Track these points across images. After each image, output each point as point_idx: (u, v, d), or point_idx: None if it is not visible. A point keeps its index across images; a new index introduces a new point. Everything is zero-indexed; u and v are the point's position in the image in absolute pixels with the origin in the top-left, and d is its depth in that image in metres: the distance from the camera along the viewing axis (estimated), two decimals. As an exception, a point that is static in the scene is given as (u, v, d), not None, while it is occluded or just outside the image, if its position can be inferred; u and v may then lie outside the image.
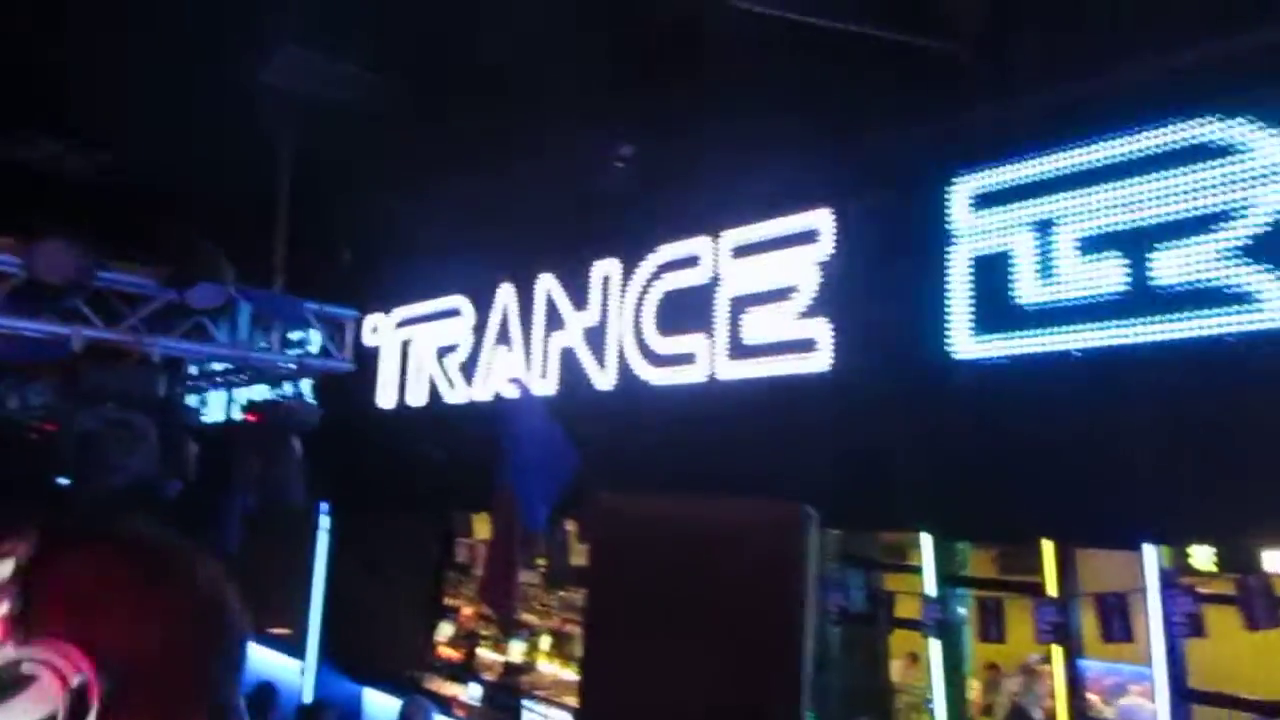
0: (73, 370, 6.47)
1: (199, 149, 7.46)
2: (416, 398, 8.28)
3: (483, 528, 8.20)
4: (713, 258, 6.20)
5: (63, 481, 6.69)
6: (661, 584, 4.90)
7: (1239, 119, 4.09)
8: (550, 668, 8.00)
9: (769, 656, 4.50)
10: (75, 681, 0.96)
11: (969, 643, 5.66)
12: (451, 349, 7.99)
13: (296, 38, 6.25)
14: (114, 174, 8.27)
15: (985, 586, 5.36)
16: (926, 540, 5.35)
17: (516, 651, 8.24)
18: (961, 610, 5.46)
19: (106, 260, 6.28)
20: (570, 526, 7.54)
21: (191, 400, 8.15)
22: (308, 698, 8.90)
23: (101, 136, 7.86)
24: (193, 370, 8.56)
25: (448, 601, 10.06)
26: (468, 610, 10.26)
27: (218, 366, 8.28)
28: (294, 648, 9.44)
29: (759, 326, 5.93)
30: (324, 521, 9.21)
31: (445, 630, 10.06)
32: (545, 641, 8.19)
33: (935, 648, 5.32)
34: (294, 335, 7.83)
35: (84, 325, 6.25)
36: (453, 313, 8.04)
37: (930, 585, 5.31)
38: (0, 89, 6.85)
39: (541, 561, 7.68)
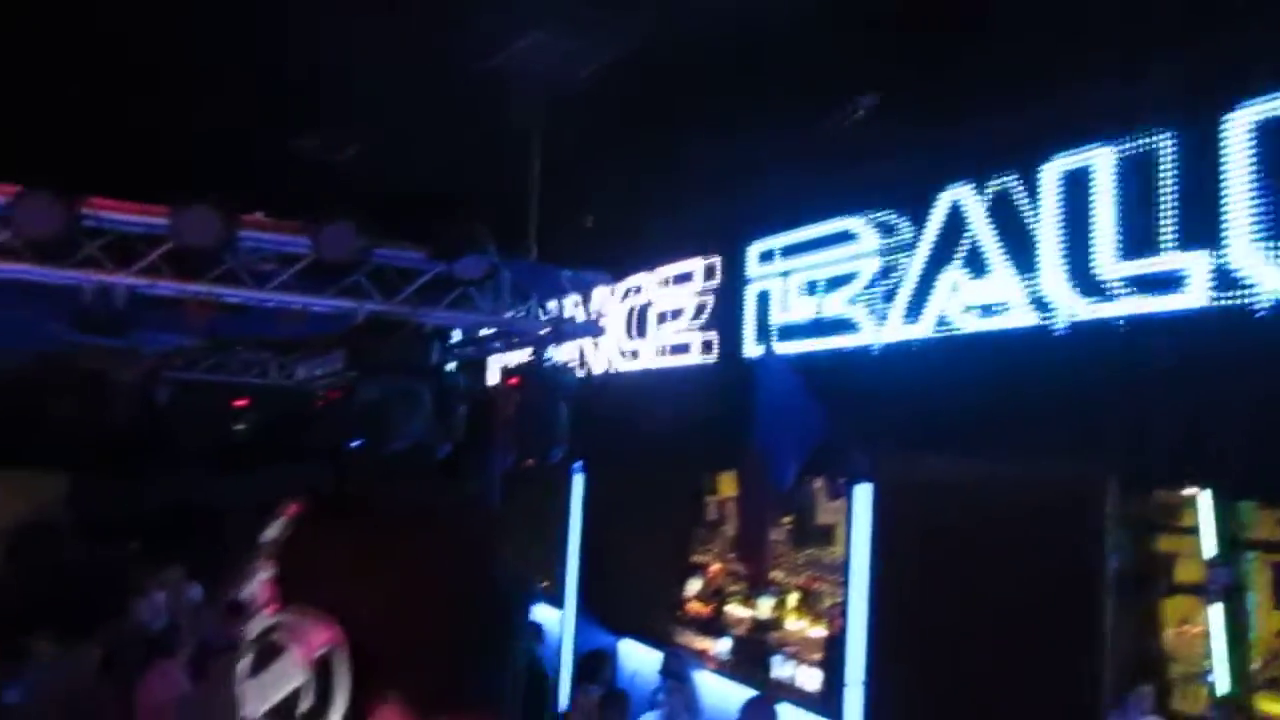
0: (355, 342, 7.08)
1: (453, 135, 7.96)
2: (659, 359, 8.53)
3: (729, 486, 8.36)
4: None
5: (350, 446, 7.33)
6: (953, 555, 4.87)
7: None
8: (798, 625, 8.07)
9: (1066, 636, 4.39)
10: (321, 653, 0.95)
11: (1254, 610, 5.30)
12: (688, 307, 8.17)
13: (537, 22, 6.52)
14: (376, 161, 8.90)
15: (1276, 550, 5.01)
16: (1205, 500, 5.03)
17: (765, 608, 8.36)
18: (1246, 574, 5.12)
19: (381, 239, 6.80)
20: (818, 485, 7.58)
21: (457, 366, 8.70)
22: (568, 648, 9.40)
23: (362, 127, 8.49)
24: (457, 337, 9.14)
25: (696, 558, 10.32)
26: (716, 566, 10.50)
27: (482, 333, 8.79)
28: (553, 600, 9.99)
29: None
30: (578, 479, 9.65)
31: (694, 586, 10.34)
32: (793, 599, 8.27)
33: (1217, 615, 5.01)
34: (549, 303, 8.23)
35: (366, 300, 6.81)
36: (687, 278, 8.23)
37: (1209, 548, 5.00)
38: (271, 87, 7.50)
39: (787, 520, 7.77)
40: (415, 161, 8.53)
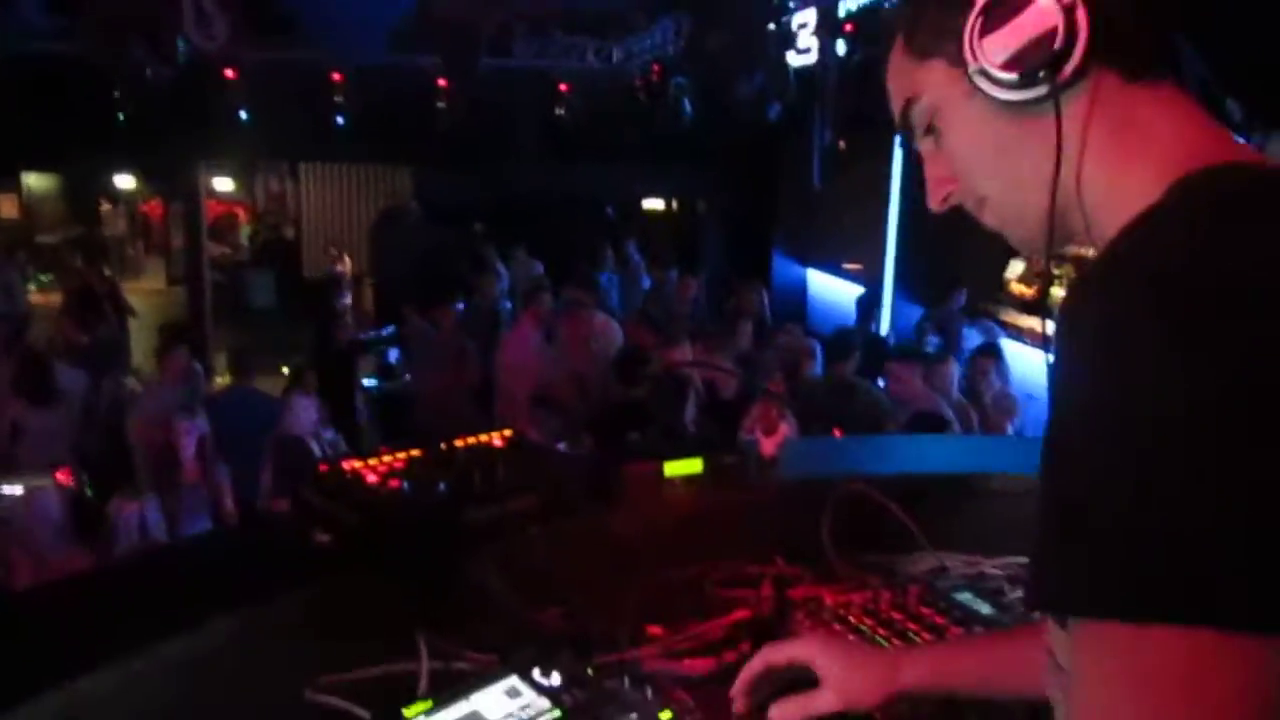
0: None
1: None
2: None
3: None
4: None
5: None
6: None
7: None
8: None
9: None
10: None
11: None
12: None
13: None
14: None
15: None
16: None
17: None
18: None
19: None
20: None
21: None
22: (885, 325, 9.49)
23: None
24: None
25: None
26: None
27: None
28: (868, 281, 10.01)
29: None
30: (898, 153, 9.34)
31: (1016, 268, 10.00)
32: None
33: None
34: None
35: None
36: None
37: None
38: None
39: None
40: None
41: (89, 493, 5.11)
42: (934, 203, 1.02)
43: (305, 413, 6.20)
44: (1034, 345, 8.04)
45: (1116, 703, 0.69)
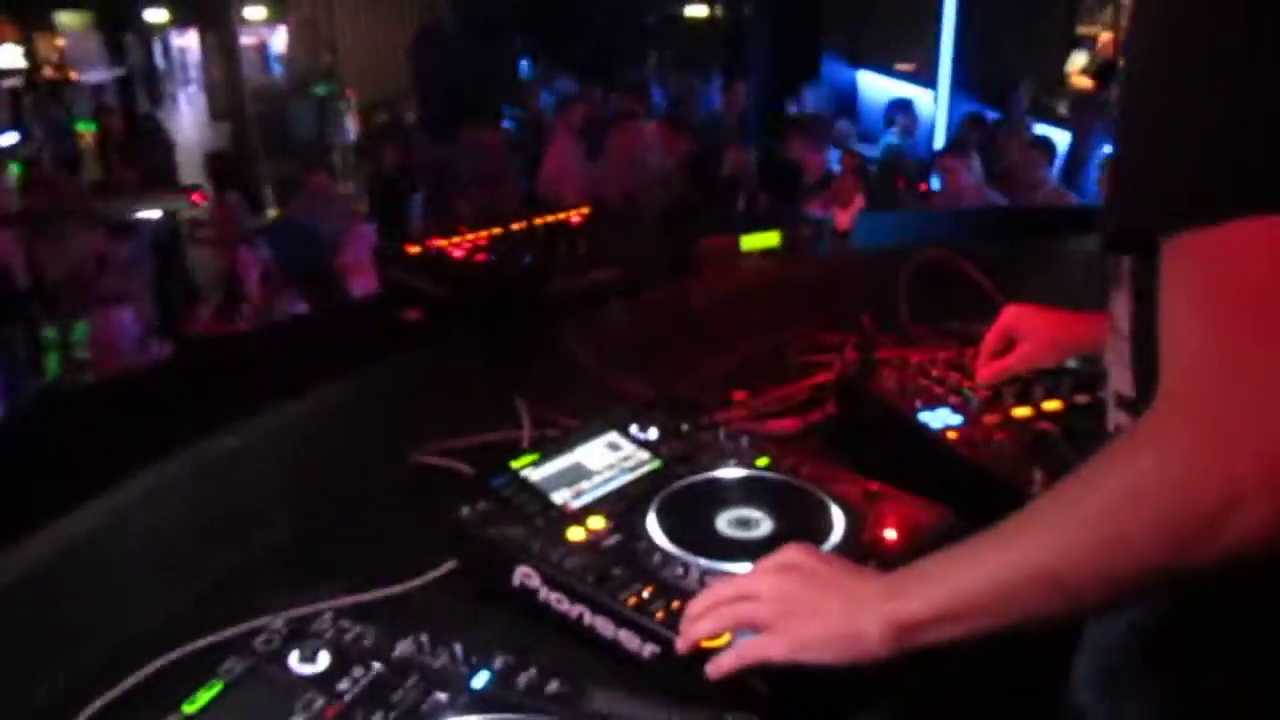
0: None
1: None
2: None
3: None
4: None
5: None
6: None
7: None
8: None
9: None
10: None
11: None
12: None
13: None
14: None
15: None
16: None
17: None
18: None
19: None
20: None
21: None
22: (940, 124, 9.21)
23: None
24: None
25: (1083, 30, 9.49)
26: (1105, 37, 9.62)
27: None
28: (923, 78, 9.66)
29: None
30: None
31: (1078, 60, 9.60)
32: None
33: None
34: None
35: None
36: None
37: None
38: None
39: None
40: None
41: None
42: None
43: (362, 240, 6.23)
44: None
45: (1201, 314, 0.71)
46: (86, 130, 12.61)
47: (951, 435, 1.38)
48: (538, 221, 1.72)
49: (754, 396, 1.65)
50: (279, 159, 12.50)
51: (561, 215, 1.72)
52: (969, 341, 1.66)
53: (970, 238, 1.81)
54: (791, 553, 0.95)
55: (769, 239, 1.83)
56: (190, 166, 10.59)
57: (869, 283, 1.84)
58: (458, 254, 1.59)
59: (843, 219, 2.52)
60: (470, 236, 1.63)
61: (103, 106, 13.46)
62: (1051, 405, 1.42)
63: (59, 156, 10.79)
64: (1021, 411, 1.41)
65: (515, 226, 1.69)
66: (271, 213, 9.22)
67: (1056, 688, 1.19)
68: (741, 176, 6.22)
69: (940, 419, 1.41)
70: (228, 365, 1.66)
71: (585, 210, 1.74)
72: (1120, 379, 0.94)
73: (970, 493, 1.25)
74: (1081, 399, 1.43)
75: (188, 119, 16.59)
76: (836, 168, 6.43)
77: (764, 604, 0.91)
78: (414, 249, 1.61)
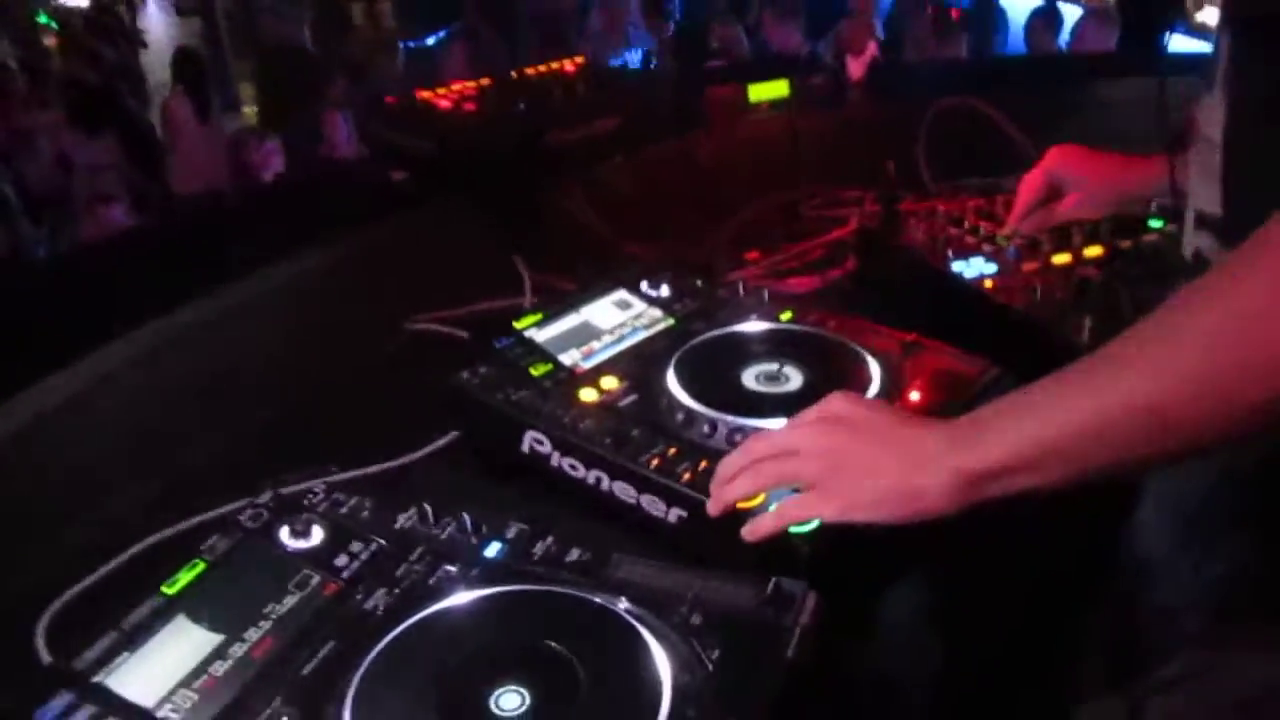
0: None
1: None
2: None
3: None
4: None
5: None
6: None
7: None
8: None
9: None
10: None
11: None
12: None
13: None
14: None
15: None
16: None
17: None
18: None
19: None
20: None
21: None
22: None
23: None
24: None
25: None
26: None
27: None
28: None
29: None
30: None
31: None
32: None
33: None
34: None
35: None
36: None
37: None
38: None
39: None
40: None
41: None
42: None
43: (339, 130, 6.01)
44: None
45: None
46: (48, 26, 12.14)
47: (988, 285, 1.28)
48: (530, 71, 1.58)
49: (768, 255, 1.54)
50: (251, 58, 12.09)
51: (555, 65, 1.57)
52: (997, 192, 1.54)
53: (994, 89, 1.68)
54: (836, 403, 0.85)
55: (778, 88, 1.70)
56: (160, 67, 10.20)
57: (885, 136, 1.71)
58: (444, 104, 1.45)
59: (855, 67, 2.37)
60: (457, 87, 1.49)
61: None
62: (1093, 251, 1.32)
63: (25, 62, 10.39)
64: (1061, 258, 1.31)
65: (506, 77, 1.55)
66: (247, 110, 8.91)
67: (1102, 549, 1.11)
68: (733, 53, 5.96)
69: (975, 269, 1.31)
70: (206, 232, 1.54)
71: (580, 60, 1.59)
72: (1205, 196, 0.83)
73: (1013, 344, 1.15)
74: (1125, 243, 1.33)
75: (155, 19, 15.99)
76: (817, 46, 6.14)
77: (808, 459, 0.82)
78: (394, 100, 1.47)
